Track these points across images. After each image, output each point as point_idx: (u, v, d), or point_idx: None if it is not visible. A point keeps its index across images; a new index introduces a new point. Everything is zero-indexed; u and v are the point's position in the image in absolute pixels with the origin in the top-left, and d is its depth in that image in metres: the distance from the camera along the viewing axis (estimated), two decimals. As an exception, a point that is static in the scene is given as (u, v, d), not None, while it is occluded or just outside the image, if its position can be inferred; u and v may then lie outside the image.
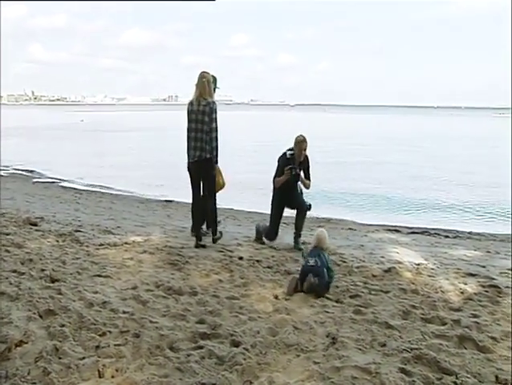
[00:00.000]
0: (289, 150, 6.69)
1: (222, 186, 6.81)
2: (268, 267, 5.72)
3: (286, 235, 7.97)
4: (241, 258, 6.04)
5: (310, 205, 6.80)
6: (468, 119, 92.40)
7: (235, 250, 6.52)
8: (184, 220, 7.84)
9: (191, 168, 6.53)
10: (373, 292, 4.93)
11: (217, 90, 6.88)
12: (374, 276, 5.52)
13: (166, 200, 13.10)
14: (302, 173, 6.78)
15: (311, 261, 4.91)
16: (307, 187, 6.80)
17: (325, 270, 4.86)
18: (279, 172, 6.71)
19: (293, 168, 6.61)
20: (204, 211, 6.70)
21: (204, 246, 6.56)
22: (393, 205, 13.48)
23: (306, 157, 6.74)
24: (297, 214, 6.91)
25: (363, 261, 6.22)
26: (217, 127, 6.36)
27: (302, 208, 6.82)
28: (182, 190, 12.02)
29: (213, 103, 6.39)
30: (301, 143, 6.60)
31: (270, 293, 4.76)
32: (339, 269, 5.67)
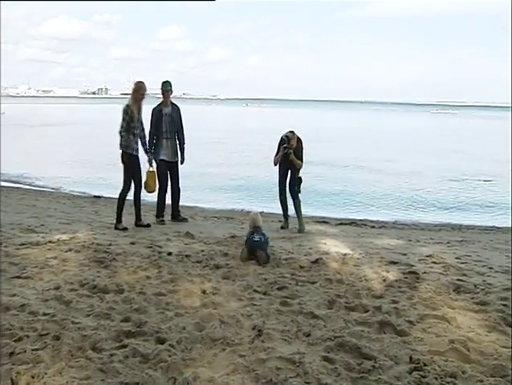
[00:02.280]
0: (285, 135, 8.10)
1: (152, 191, 8.13)
2: (197, 262, 5.70)
3: (216, 229, 8.12)
4: (170, 254, 5.98)
5: (300, 180, 8.20)
6: (386, 114, 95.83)
7: (164, 246, 6.45)
8: (113, 215, 7.65)
9: None
10: (300, 283, 5.01)
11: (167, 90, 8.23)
12: (302, 267, 5.60)
13: (95, 196, 12.76)
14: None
15: (257, 237, 5.99)
16: (297, 166, 8.09)
17: (267, 245, 6.09)
18: (277, 151, 8.16)
19: (287, 147, 7.99)
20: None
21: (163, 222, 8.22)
22: (322, 197, 13.75)
23: (300, 143, 8.12)
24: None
25: (292, 253, 6.29)
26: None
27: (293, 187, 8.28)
28: (112, 185, 11.74)
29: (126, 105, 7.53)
30: (290, 139, 8.09)
31: (198, 288, 4.74)
32: (266, 262, 5.76)
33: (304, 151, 8.15)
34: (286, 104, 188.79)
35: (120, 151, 7.49)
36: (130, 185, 7.64)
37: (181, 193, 8.57)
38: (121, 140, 7.48)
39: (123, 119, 7.47)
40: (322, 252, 6.42)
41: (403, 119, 78.04)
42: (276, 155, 8.18)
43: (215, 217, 9.93)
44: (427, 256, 6.38)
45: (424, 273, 5.49)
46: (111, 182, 13.88)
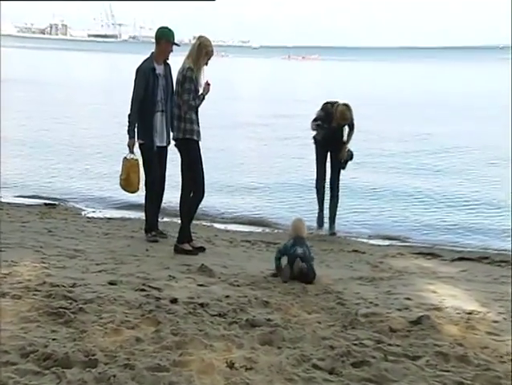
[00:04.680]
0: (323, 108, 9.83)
1: (134, 189, 9.08)
2: (219, 315, 5.69)
3: (248, 260, 8.33)
4: (174, 301, 5.98)
5: (351, 155, 10.22)
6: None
7: (165, 288, 6.47)
8: (80, 236, 7.62)
9: None
10: (391, 357, 4.86)
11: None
12: (393, 330, 5.53)
13: (47, 204, 12.58)
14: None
15: (300, 250, 7.04)
16: (344, 156, 10.03)
17: (312, 261, 7.17)
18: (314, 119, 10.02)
19: (320, 126, 9.72)
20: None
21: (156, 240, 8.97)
22: (425, 208, 13.38)
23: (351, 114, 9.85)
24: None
25: (376, 305, 6.26)
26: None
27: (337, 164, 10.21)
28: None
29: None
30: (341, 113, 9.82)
31: (221, 358, 4.65)
32: (335, 317, 5.78)
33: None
34: (346, 53, 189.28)
35: (181, 136, 8.33)
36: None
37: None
38: (183, 122, 8.26)
39: (185, 90, 8.24)
40: (429, 306, 6.35)
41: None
42: (314, 121, 10.06)
43: (246, 241, 9.98)
44: None
45: None
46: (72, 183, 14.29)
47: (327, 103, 10.14)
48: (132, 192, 9.13)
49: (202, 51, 8.30)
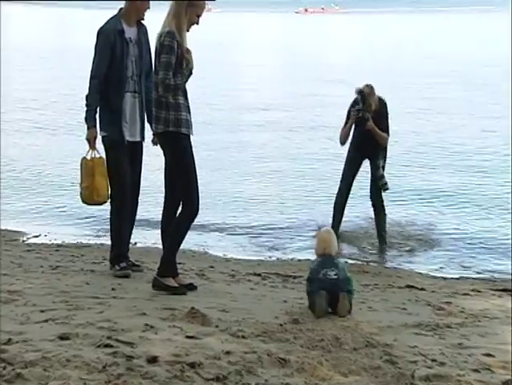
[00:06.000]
0: (359, 89, 10.52)
1: (104, 198, 8.95)
2: (216, 379, 5.60)
3: (257, 302, 8.27)
4: (152, 360, 5.87)
5: (385, 183, 11.05)
6: None
7: (140, 342, 6.33)
8: (16, 271, 7.58)
9: None
10: None
11: None
12: None
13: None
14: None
15: (332, 273, 7.39)
16: (382, 141, 10.76)
17: (350, 284, 7.58)
18: (346, 120, 10.78)
19: (362, 110, 10.38)
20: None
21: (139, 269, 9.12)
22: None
23: (383, 106, 10.80)
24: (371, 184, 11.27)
25: (442, 365, 6.11)
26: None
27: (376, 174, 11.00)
28: None
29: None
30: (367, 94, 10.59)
31: None
32: (382, 381, 5.70)
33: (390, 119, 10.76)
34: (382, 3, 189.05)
35: (162, 129, 8.16)
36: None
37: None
38: (165, 108, 8.07)
39: (167, 64, 7.95)
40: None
41: None
42: (344, 126, 10.80)
43: (254, 274, 9.97)
44: None
45: None
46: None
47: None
48: (99, 204, 8.92)
49: (185, 4, 7.98)
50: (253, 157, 19.30)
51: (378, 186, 10.74)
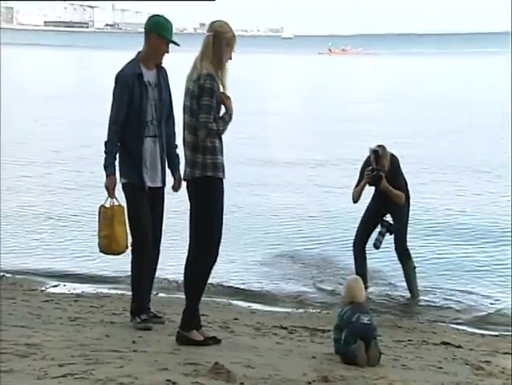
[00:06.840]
0: (373, 149, 10.64)
1: (123, 248, 8.83)
2: None
3: (284, 357, 8.11)
4: None
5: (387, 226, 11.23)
6: None
7: None
8: (34, 322, 7.60)
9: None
10: None
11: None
12: None
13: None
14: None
15: (365, 319, 7.64)
16: (398, 199, 10.81)
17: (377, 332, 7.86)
18: (359, 179, 10.97)
19: (375, 169, 10.49)
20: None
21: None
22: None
23: (395, 163, 10.93)
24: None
25: None
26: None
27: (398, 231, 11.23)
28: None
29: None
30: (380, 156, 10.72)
31: None
32: None
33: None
34: (394, 42, 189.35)
35: (199, 174, 7.94)
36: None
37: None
38: (201, 152, 7.92)
39: (209, 107, 7.82)
40: None
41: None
42: (357, 185, 11.03)
43: (281, 327, 9.76)
44: None
45: None
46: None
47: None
48: (118, 254, 8.77)
49: (222, 43, 7.84)
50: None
51: (400, 238, 11.03)
